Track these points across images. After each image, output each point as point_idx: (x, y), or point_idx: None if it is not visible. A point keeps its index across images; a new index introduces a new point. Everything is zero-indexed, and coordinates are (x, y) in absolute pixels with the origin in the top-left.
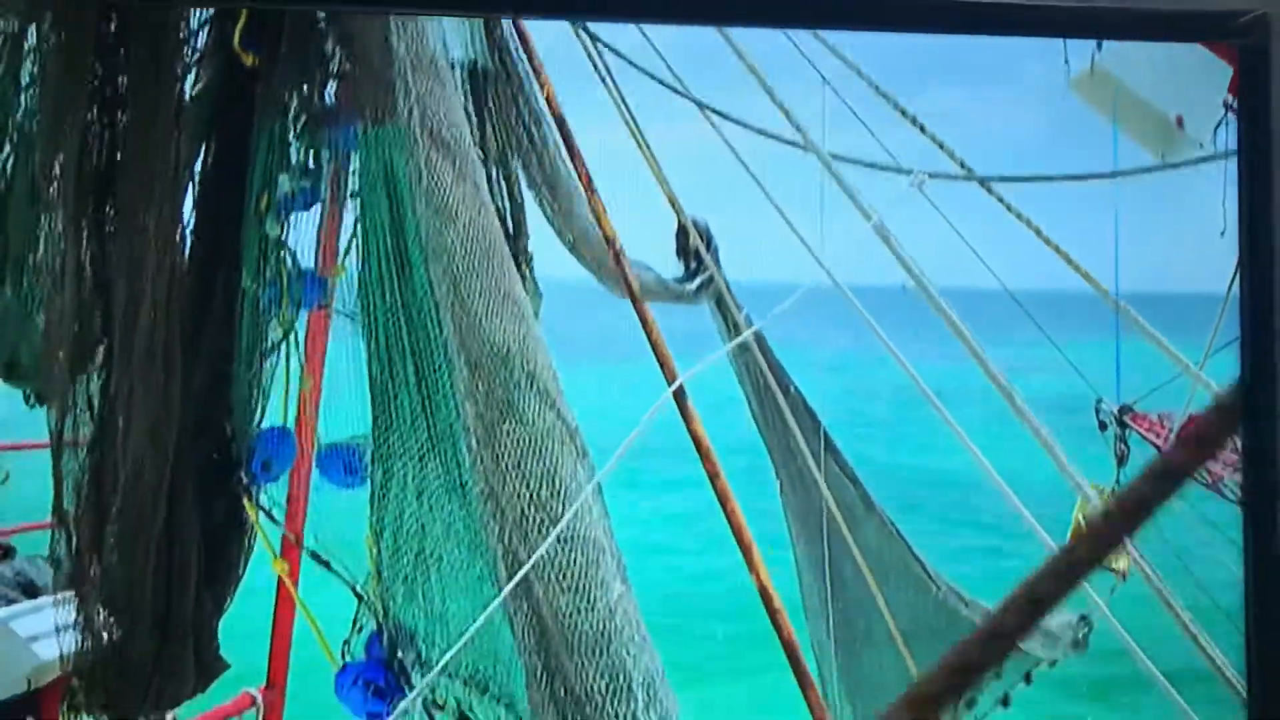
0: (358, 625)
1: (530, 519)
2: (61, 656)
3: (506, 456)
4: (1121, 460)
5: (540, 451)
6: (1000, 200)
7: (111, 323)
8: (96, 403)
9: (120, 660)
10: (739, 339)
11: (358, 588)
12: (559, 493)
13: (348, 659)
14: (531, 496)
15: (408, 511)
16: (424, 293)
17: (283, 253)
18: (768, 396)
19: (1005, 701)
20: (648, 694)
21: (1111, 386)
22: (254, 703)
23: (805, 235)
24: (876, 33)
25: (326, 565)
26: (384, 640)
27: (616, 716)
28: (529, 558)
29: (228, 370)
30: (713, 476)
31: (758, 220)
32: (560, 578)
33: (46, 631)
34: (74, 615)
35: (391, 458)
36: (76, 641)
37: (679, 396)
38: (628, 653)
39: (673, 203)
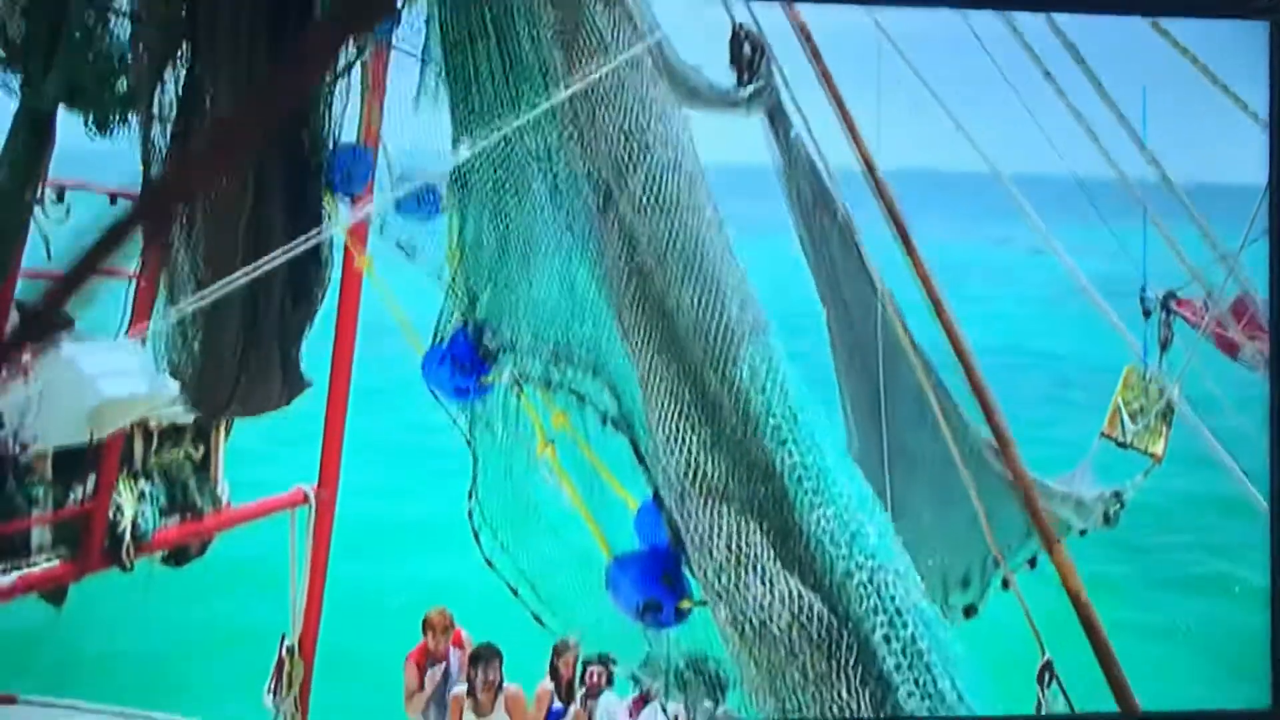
0: (439, 336)
1: (623, 146)
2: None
3: (599, 89)
4: (1165, 345)
5: (631, 84)
6: None
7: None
8: (183, 87)
9: (208, 356)
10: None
11: (443, 279)
12: (655, 115)
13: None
14: (624, 124)
15: (489, 204)
16: None
17: None
18: (815, 220)
19: (1032, 563)
20: (740, 304)
21: (1147, 271)
22: (306, 499)
23: (862, 118)
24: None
25: (410, 255)
26: (470, 329)
27: (708, 325)
28: (624, 194)
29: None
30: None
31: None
32: (654, 200)
33: (111, 370)
34: (164, 313)
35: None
36: (168, 340)
37: None
38: (719, 268)
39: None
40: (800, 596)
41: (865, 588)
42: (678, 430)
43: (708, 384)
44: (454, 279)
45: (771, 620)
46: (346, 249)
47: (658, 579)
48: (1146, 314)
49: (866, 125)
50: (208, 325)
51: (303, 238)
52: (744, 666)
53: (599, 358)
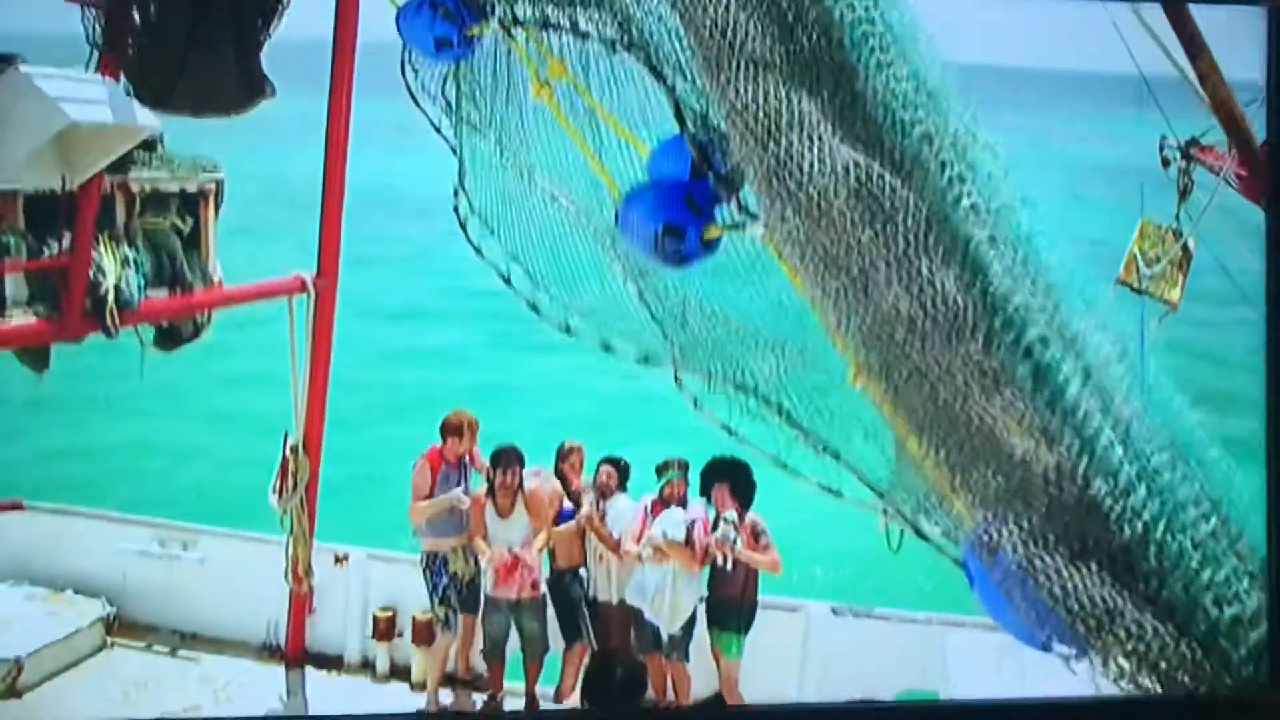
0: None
1: None
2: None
3: None
4: (1184, 193)
5: None
6: None
7: None
8: None
9: (152, 31)
10: None
11: None
12: None
13: None
14: None
15: None
16: None
17: None
18: None
19: None
20: None
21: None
22: (305, 286)
23: None
24: None
25: None
26: None
27: None
28: None
29: None
30: None
31: None
32: None
33: (76, 97)
34: None
35: None
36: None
37: None
38: None
39: None
40: (864, 166)
41: (948, 154)
42: None
43: None
44: None
45: (829, 194)
46: None
47: (680, 202)
48: (1165, 164)
49: None
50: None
51: None
52: (794, 261)
53: None
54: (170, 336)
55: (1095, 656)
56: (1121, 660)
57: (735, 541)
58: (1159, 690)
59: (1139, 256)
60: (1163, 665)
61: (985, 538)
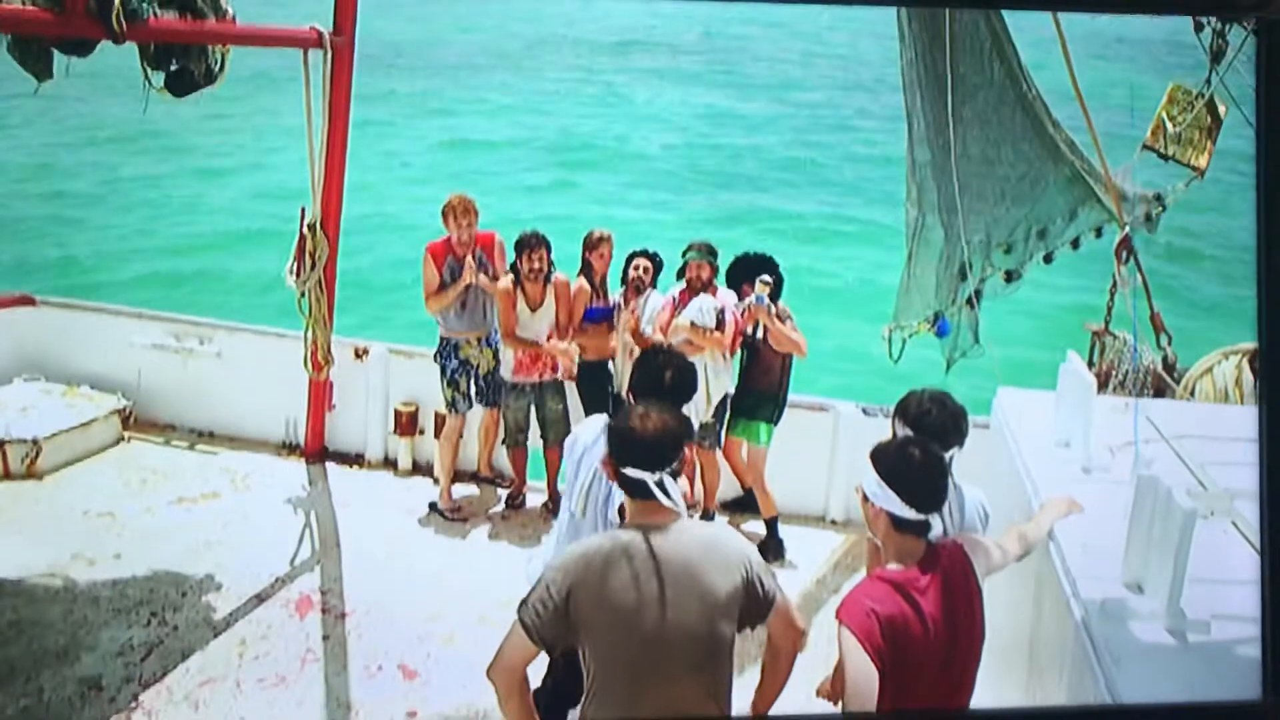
0: None
1: None
2: None
3: None
4: (1217, 56)
5: None
6: None
7: None
8: None
9: None
10: None
11: None
12: None
13: None
14: None
15: None
16: None
17: None
18: None
19: (1075, 244)
20: None
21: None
22: (320, 40)
23: None
24: None
25: None
26: None
27: None
28: None
29: None
30: None
31: None
32: None
33: None
34: None
35: None
36: None
37: None
38: None
39: None
40: None
41: None
42: None
43: None
44: None
45: None
46: None
47: None
48: (1199, 28)
49: None
50: None
51: None
52: None
53: None
54: (181, 79)
55: None
56: None
57: (766, 303)
58: None
59: (1166, 122)
60: None
61: None
